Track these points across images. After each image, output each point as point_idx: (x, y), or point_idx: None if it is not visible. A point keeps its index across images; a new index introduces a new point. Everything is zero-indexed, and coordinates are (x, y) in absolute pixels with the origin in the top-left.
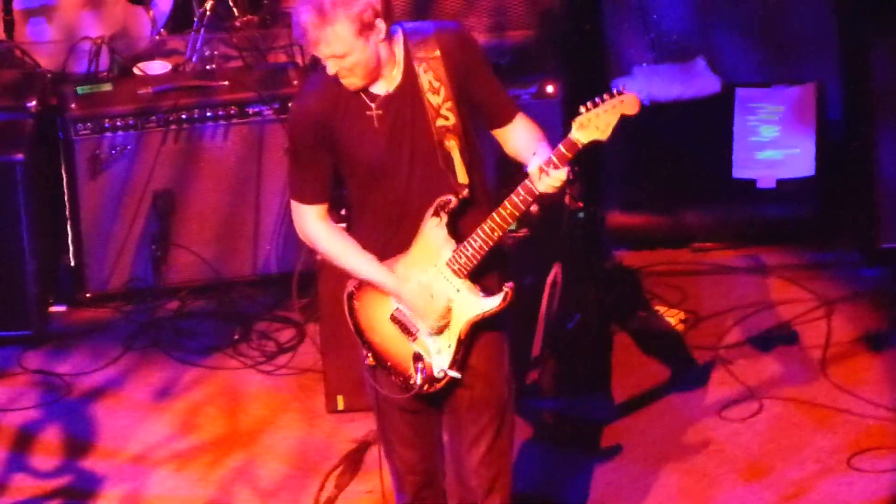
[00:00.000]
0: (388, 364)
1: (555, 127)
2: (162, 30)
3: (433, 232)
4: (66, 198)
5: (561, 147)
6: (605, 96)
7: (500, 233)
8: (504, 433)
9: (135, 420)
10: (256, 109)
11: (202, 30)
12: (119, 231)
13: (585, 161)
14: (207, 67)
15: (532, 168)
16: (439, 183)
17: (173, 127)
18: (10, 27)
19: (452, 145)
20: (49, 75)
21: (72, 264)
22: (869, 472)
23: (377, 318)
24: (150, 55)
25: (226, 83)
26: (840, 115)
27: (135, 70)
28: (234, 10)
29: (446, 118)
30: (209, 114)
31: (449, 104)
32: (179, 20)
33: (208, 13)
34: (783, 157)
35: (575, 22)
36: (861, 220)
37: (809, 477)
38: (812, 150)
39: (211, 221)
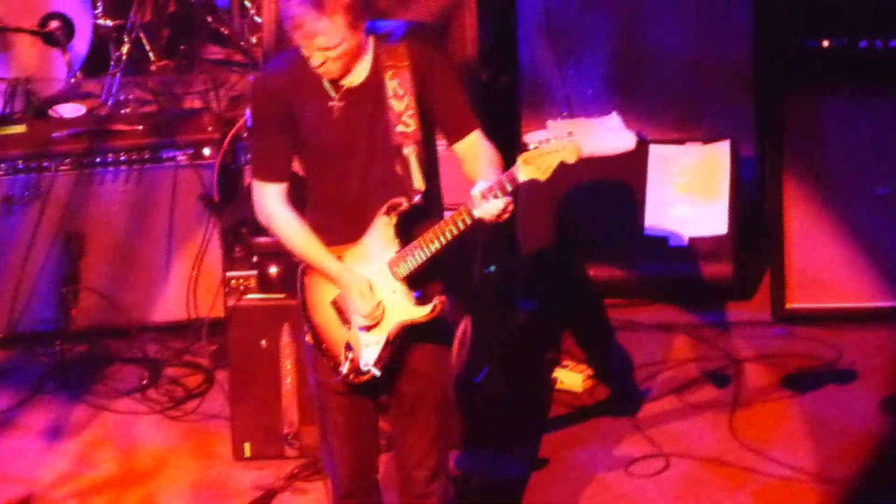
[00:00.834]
0: (323, 346)
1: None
2: (78, 72)
3: (382, 230)
4: None
5: (503, 178)
6: (555, 138)
7: (438, 246)
8: (444, 429)
9: (39, 462)
10: (170, 154)
11: (118, 73)
12: (30, 272)
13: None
14: (122, 111)
15: (474, 191)
16: (396, 184)
17: (87, 170)
18: None
19: (410, 151)
20: None
21: None
22: None
23: (321, 299)
24: (65, 98)
25: (140, 127)
26: (754, 173)
27: (50, 112)
28: (151, 54)
29: (407, 125)
30: (123, 157)
31: (411, 112)
32: (96, 63)
33: (124, 57)
34: (696, 214)
35: (492, 74)
36: (771, 280)
37: None
38: (725, 208)
39: (122, 265)
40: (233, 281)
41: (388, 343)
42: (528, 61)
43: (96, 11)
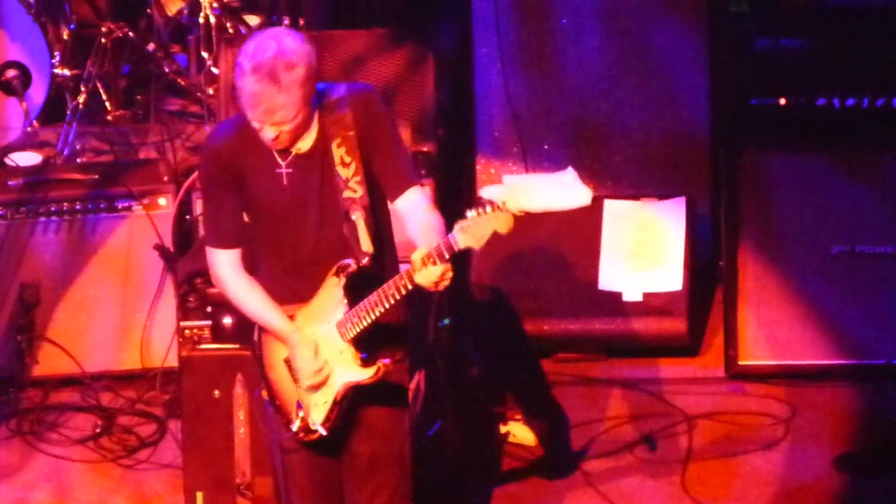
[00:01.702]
0: (276, 402)
1: None
2: (34, 121)
3: (332, 291)
4: None
5: (441, 245)
6: (490, 207)
7: (382, 309)
8: (402, 488)
9: None
10: (126, 204)
11: (74, 123)
12: None
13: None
14: (78, 160)
15: (415, 257)
16: (345, 247)
17: (42, 219)
18: None
19: (358, 216)
20: None
21: None
22: None
23: (275, 356)
24: (21, 146)
25: (96, 177)
26: (709, 230)
27: (5, 160)
28: (108, 104)
29: (354, 191)
30: (78, 206)
31: (357, 178)
32: (52, 112)
33: (81, 107)
34: (650, 270)
35: (448, 130)
36: (725, 336)
37: None
38: (680, 264)
39: (77, 314)
40: (187, 331)
41: (335, 403)
42: (484, 117)
43: (53, 61)
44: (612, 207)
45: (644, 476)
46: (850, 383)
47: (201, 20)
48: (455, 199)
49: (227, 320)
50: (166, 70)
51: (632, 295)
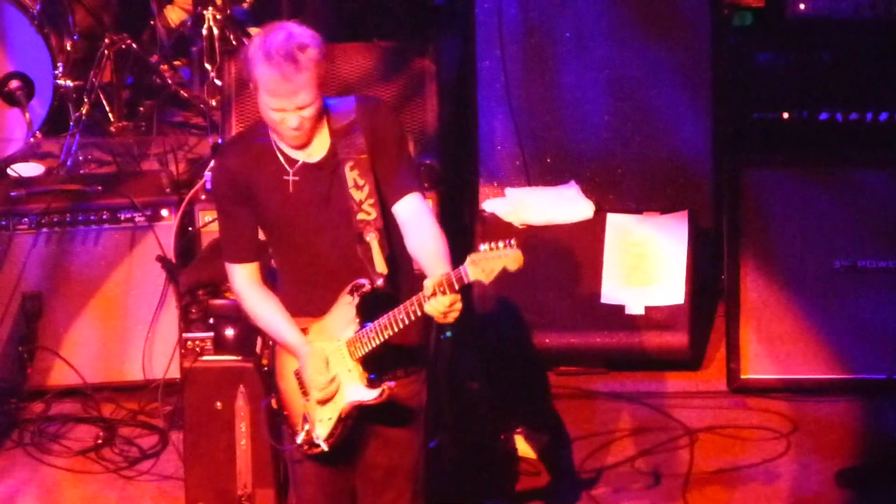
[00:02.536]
0: (285, 413)
1: None
2: (37, 132)
3: (344, 309)
4: None
5: (451, 275)
6: (502, 244)
7: (392, 332)
8: (418, 500)
9: None
10: (128, 215)
11: (77, 134)
12: None
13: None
14: (81, 172)
15: (427, 284)
16: (360, 266)
17: (45, 230)
18: None
19: (372, 238)
20: None
21: None
22: None
23: (287, 367)
24: (24, 157)
25: (99, 188)
26: (711, 244)
27: (8, 171)
28: (110, 115)
29: (368, 213)
30: (81, 218)
31: (371, 201)
32: (55, 124)
33: (84, 118)
34: (653, 283)
35: (452, 142)
36: (727, 350)
37: None
38: (682, 278)
39: (79, 325)
40: (189, 342)
41: (339, 420)
42: (487, 130)
43: (56, 72)
44: (614, 221)
45: (644, 491)
46: (851, 398)
47: (204, 32)
48: (458, 213)
49: (230, 332)
50: (169, 82)
51: (634, 308)
